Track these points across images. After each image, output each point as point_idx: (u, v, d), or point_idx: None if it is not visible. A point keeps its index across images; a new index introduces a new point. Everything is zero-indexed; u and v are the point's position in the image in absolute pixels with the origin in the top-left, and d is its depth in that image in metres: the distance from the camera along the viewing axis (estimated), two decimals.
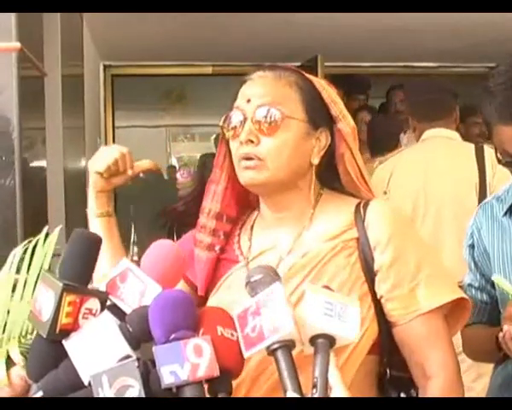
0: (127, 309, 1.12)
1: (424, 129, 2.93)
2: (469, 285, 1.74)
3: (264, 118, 1.37)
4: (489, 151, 2.79)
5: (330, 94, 1.44)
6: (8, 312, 1.28)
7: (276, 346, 1.05)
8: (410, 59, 6.62)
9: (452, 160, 2.84)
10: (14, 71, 2.38)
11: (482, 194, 2.67)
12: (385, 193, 2.88)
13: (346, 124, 1.43)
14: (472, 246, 1.71)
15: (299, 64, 6.36)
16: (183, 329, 1.06)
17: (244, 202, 1.50)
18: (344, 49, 5.83)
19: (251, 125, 1.37)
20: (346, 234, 1.39)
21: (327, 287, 1.14)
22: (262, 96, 1.39)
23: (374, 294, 1.36)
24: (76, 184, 4.08)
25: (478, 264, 1.70)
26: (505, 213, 1.64)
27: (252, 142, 1.37)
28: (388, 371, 1.39)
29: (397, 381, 1.39)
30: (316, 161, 1.41)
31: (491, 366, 1.75)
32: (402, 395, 1.39)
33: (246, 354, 1.07)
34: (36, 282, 1.24)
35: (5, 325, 1.27)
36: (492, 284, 1.65)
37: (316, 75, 5.14)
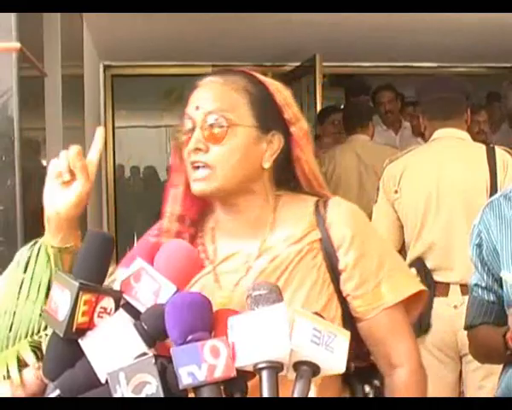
0: (142, 308, 1.13)
1: (435, 128, 2.90)
2: (476, 285, 1.73)
3: (212, 126, 1.37)
4: (500, 152, 2.78)
5: (285, 97, 1.44)
6: (15, 311, 1.28)
7: (262, 365, 1.05)
8: (410, 59, 6.62)
9: (463, 160, 2.83)
10: (14, 71, 2.38)
11: (493, 194, 2.66)
12: (396, 192, 2.87)
13: (299, 127, 1.44)
14: (479, 245, 1.70)
15: (298, 64, 6.36)
16: (199, 330, 1.07)
17: (203, 205, 1.48)
18: (343, 48, 5.83)
19: (200, 132, 1.37)
20: (309, 236, 1.41)
21: (317, 314, 1.13)
22: (210, 102, 1.39)
23: (339, 293, 1.41)
24: None
25: (487, 263, 1.69)
26: None
27: (200, 150, 1.36)
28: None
29: (359, 372, 1.43)
30: (267, 164, 1.41)
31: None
32: (366, 387, 1.43)
33: (233, 364, 1.06)
34: (41, 281, 1.24)
35: (12, 324, 1.27)
36: (500, 284, 1.65)
37: (314, 75, 5.16)
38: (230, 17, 4.12)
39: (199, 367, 1.03)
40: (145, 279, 1.15)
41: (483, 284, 1.71)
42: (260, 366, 1.05)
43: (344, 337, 1.10)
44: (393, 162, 2.94)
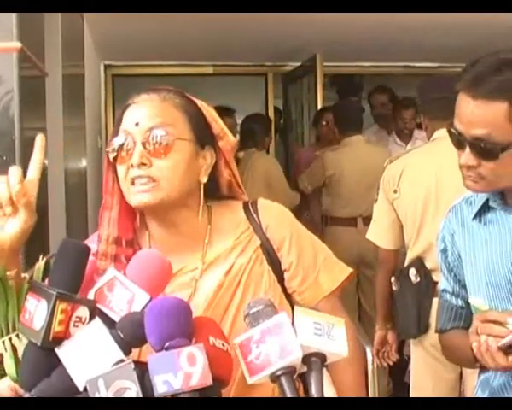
0: (116, 318, 1.14)
1: (435, 128, 2.89)
2: (444, 290, 1.72)
3: (156, 140, 1.39)
4: None
5: (211, 113, 1.49)
6: None
7: (280, 372, 1.09)
8: (410, 59, 6.62)
9: None
10: (15, 71, 2.38)
11: None
12: (395, 192, 2.87)
13: (227, 141, 1.49)
14: (444, 251, 1.68)
15: (298, 64, 6.36)
16: (177, 337, 1.07)
17: (135, 225, 1.50)
18: (343, 48, 5.83)
19: (141, 148, 1.38)
20: (251, 244, 1.48)
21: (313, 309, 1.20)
22: (150, 118, 1.40)
23: (285, 290, 1.51)
24: (76, 184, 4.08)
25: (453, 269, 1.67)
26: (474, 217, 1.60)
27: (144, 164, 1.38)
28: None
29: None
30: (204, 179, 1.46)
31: None
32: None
33: (250, 381, 1.10)
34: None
35: None
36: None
37: (315, 75, 5.17)
38: (231, 17, 4.12)
39: (175, 375, 1.04)
40: (118, 289, 1.16)
41: (451, 290, 1.69)
42: (278, 373, 1.09)
43: (340, 324, 1.16)
44: (393, 162, 2.94)
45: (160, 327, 1.08)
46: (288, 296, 1.52)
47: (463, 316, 1.67)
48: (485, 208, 1.59)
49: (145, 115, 1.41)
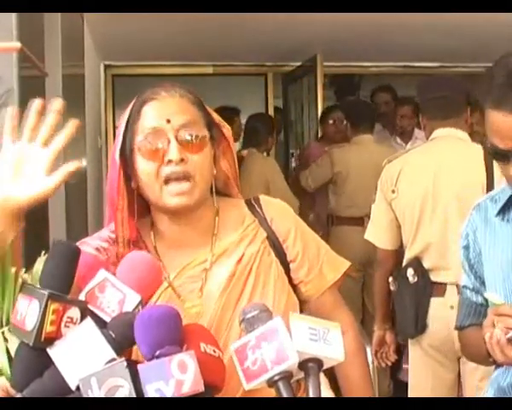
0: (107, 319, 1.15)
1: (434, 127, 2.89)
2: (464, 287, 1.73)
3: (193, 136, 1.40)
4: None
5: (207, 106, 1.51)
6: None
7: (277, 378, 1.09)
8: (410, 59, 6.62)
9: (461, 161, 2.81)
10: (15, 71, 2.38)
11: None
12: (393, 192, 2.86)
13: (227, 129, 1.53)
14: (467, 247, 1.69)
15: (298, 64, 6.37)
16: (168, 344, 1.08)
17: (137, 224, 1.50)
18: (343, 48, 5.83)
19: (177, 144, 1.38)
20: (258, 235, 1.50)
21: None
22: (180, 114, 1.41)
23: (290, 281, 1.53)
24: (76, 184, 4.08)
25: (474, 266, 1.68)
26: (498, 214, 1.62)
27: (183, 160, 1.38)
28: None
29: None
30: (215, 171, 1.48)
31: None
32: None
33: (247, 387, 1.10)
34: None
35: None
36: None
37: (315, 75, 5.19)
38: (231, 17, 4.13)
39: (166, 383, 1.04)
40: (109, 290, 1.17)
41: (471, 286, 1.70)
42: (275, 379, 1.09)
43: (336, 329, 1.16)
44: (391, 162, 2.93)
45: (150, 335, 1.08)
46: (294, 287, 1.54)
47: (482, 313, 1.68)
48: (508, 205, 1.61)
49: (174, 112, 1.41)
